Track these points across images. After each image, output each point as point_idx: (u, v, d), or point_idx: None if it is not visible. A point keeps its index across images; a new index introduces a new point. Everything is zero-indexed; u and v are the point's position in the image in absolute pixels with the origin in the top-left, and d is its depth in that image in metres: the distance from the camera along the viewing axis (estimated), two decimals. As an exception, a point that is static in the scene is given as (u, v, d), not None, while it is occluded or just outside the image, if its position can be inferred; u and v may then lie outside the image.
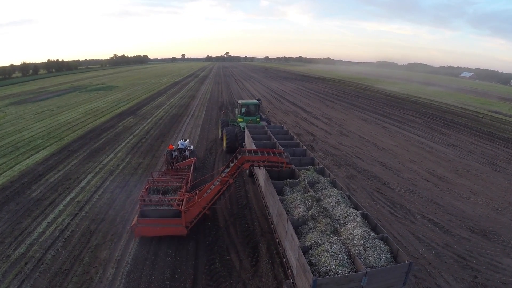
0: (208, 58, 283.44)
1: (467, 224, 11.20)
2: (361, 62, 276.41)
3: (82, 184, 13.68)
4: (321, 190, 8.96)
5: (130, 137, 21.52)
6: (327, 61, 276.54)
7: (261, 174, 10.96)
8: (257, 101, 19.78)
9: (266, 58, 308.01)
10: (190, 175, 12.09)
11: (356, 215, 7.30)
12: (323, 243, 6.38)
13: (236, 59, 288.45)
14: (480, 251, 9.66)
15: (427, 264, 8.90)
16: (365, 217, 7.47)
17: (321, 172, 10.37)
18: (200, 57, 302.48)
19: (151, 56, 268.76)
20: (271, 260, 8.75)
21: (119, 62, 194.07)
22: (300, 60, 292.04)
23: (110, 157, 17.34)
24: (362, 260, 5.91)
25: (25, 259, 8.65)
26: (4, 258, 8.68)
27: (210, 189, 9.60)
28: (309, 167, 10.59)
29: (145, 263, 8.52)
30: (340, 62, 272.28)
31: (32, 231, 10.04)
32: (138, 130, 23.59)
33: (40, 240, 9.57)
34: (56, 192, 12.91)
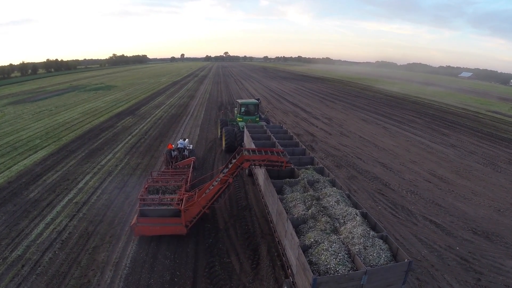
0: (207, 58, 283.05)
1: (469, 226, 11.10)
2: (360, 62, 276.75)
3: (80, 185, 13.53)
4: (321, 189, 9.01)
5: (129, 137, 21.37)
6: (327, 61, 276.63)
7: (260, 174, 11.00)
8: (256, 101, 19.69)
9: (266, 58, 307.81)
10: (190, 175, 12.05)
11: (356, 214, 7.34)
12: (323, 242, 6.40)
13: (236, 59, 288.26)
14: (482, 253, 9.56)
15: (430, 266, 8.79)
16: (364, 216, 7.51)
17: (321, 172, 10.40)
18: (199, 57, 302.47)
19: (150, 56, 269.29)
20: (272, 263, 8.62)
21: (118, 61, 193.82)
22: (300, 60, 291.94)
23: (108, 157, 17.19)
24: (362, 258, 5.93)
25: (22, 262, 8.51)
26: (0, 261, 8.53)
27: (210, 188, 9.60)
28: (308, 166, 10.66)
29: (144, 266, 8.38)
30: (339, 62, 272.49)
31: (29, 233, 9.89)
32: (137, 130, 23.44)
33: (37, 242, 9.42)
34: (54, 193, 12.76)
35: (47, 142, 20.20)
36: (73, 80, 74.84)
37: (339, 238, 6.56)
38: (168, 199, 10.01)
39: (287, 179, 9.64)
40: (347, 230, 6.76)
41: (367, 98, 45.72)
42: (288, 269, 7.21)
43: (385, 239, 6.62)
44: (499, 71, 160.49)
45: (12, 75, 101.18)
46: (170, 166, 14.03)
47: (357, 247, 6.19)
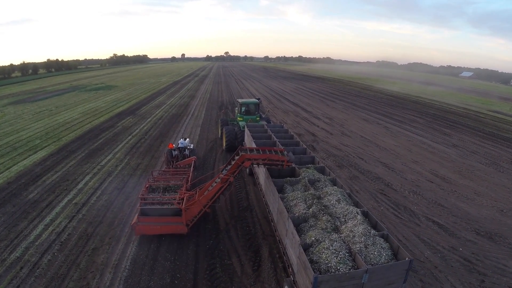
0: (208, 58, 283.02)
1: (473, 227, 10.99)
2: (361, 62, 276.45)
3: (80, 185, 13.44)
4: (322, 188, 9.01)
5: (129, 137, 21.29)
6: (327, 60, 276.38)
7: (261, 173, 11.00)
8: (257, 100, 19.59)
9: (266, 58, 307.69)
10: (190, 174, 12.04)
11: (357, 213, 7.34)
12: (324, 241, 6.39)
13: (236, 58, 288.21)
14: (486, 254, 9.46)
15: (433, 268, 8.69)
16: (365, 214, 7.51)
17: (321, 171, 10.40)
18: (199, 57, 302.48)
19: (150, 56, 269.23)
20: (274, 264, 8.51)
21: (118, 61, 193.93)
22: (300, 59, 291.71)
23: (108, 157, 17.10)
24: (362, 257, 5.93)
25: (20, 263, 8.42)
26: (-1, 262, 8.45)
27: (211, 187, 9.59)
28: (309, 165, 10.66)
29: (144, 268, 8.28)
30: (339, 61, 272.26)
31: (28, 234, 9.81)
32: (137, 130, 23.36)
33: (36, 243, 9.33)
34: (53, 193, 12.67)
35: (47, 143, 20.12)
36: (74, 80, 74.80)
37: (340, 237, 6.57)
38: (169, 198, 9.98)
39: (288, 178, 9.66)
40: (348, 228, 6.76)
41: (367, 98, 45.59)
42: (289, 268, 7.20)
43: (386, 238, 6.61)
44: (499, 71, 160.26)
45: (13, 75, 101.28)
46: (170, 166, 14.04)
47: (358, 246, 6.19)
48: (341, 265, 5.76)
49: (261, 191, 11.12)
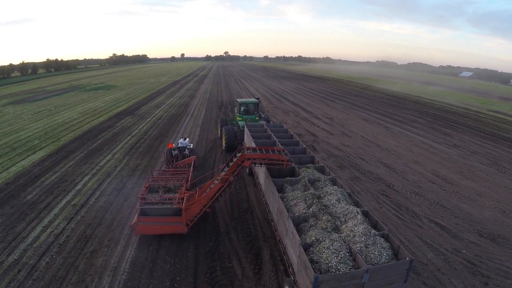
0: (208, 58, 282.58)
1: (475, 228, 10.89)
2: (360, 62, 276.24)
3: (79, 186, 13.32)
4: (322, 187, 8.99)
5: (128, 138, 21.16)
6: (327, 60, 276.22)
7: (261, 172, 10.99)
8: (256, 100, 19.47)
9: (266, 58, 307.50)
10: (190, 174, 12.00)
11: (357, 213, 7.31)
12: (324, 240, 6.36)
13: (236, 58, 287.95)
14: (489, 256, 9.36)
15: (437, 270, 8.59)
16: (365, 214, 7.47)
17: (321, 170, 10.37)
18: (199, 57, 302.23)
19: (150, 56, 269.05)
20: (275, 267, 8.40)
21: (118, 61, 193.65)
22: (300, 59, 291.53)
23: (107, 158, 16.98)
24: (363, 257, 5.91)
25: (18, 266, 8.31)
26: (-4, 265, 8.32)
27: (211, 187, 9.56)
28: (309, 165, 10.63)
29: (143, 271, 8.16)
30: (339, 61, 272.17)
31: (26, 236, 9.69)
32: (136, 130, 23.23)
33: (34, 245, 9.21)
34: (52, 195, 12.55)
35: (46, 143, 19.99)
36: (73, 80, 74.62)
37: (340, 237, 6.54)
38: (169, 198, 9.93)
39: (288, 178, 9.66)
40: (348, 228, 6.74)
41: (368, 98, 45.50)
42: (289, 268, 7.16)
43: (386, 238, 6.59)
44: (499, 71, 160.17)
45: (12, 75, 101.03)
46: (170, 165, 14.00)
47: (358, 246, 6.16)
48: (342, 265, 5.75)
49: (261, 191, 11.10)
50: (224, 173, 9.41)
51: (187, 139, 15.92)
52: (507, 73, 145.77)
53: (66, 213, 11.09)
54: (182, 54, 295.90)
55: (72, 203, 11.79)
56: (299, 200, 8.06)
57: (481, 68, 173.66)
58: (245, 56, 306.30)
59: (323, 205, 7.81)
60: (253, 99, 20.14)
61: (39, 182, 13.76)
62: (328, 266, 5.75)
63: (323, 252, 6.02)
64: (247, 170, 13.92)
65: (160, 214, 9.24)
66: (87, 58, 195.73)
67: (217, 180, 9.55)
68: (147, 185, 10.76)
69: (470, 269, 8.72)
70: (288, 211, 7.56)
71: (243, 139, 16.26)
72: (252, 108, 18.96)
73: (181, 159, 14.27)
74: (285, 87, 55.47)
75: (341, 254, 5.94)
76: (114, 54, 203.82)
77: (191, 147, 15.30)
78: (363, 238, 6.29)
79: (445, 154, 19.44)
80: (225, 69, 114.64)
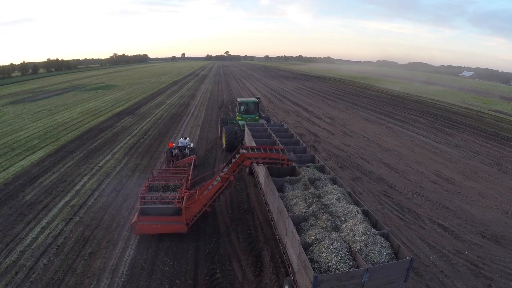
0: (208, 57, 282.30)
1: (478, 229, 10.76)
2: (361, 61, 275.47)
3: (78, 187, 13.22)
4: (322, 187, 8.96)
5: (128, 137, 21.06)
6: (328, 60, 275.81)
7: (261, 172, 10.95)
8: (256, 99, 19.36)
9: (266, 57, 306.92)
10: (190, 173, 11.97)
11: (357, 212, 7.27)
12: (324, 240, 6.33)
13: (236, 58, 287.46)
14: (492, 258, 9.24)
15: (439, 272, 8.47)
16: (365, 213, 7.43)
17: (321, 169, 10.33)
18: (200, 56, 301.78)
19: (151, 55, 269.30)
20: (276, 269, 8.29)
21: (118, 61, 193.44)
22: (300, 59, 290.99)
23: (107, 158, 16.88)
24: (363, 256, 5.90)
25: (15, 268, 8.21)
26: (-7, 267, 8.23)
27: (211, 186, 9.50)
28: (309, 164, 10.60)
29: (142, 273, 8.06)
30: (340, 61, 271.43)
31: (24, 237, 9.59)
32: (136, 130, 23.13)
33: (32, 247, 9.11)
34: (51, 195, 12.45)
35: (45, 143, 19.90)
36: (74, 80, 74.53)
37: (340, 236, 6.51)
38: (169, 197, 9.89)
39: (288, 177, 9.62)
40: (348, 227, 6.70)
41: (369, 98, 45.34)
42: (289, 267, 7.10)
43: (386, 237, 6.54)
44: (500, 70, 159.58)
45: (13, 74, 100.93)
46: (171, 165, 13.95)
47: (358, 245, 6.14)
48: (342, 264, 5.72)
49: (261, 190, 11.06)
50: (224, 173, 9.35)
51: (188, 138, 15.88)
52: (508, 72, 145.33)
53: (65, 214, 10.99)
54: (183, 54, 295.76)
55: (70, 204, 11.70)
56: (299, 200, 8.02)
57: (482, 67, 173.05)
58: (246, 55, 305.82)
59: (323, 204, 7.78)
60: (253, 99, 20.02)
61: (38, 183, 13.67)
62: (328, 266, 5.74)
63: (323, 251, 6.00)
64: (247, 169, 13.85)
65: (160, 213, 9.23)
66: (87, 58, 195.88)
67: (217, 179, 9.50)
68: (147, 184, 10.73)
69: (473, 271, 8.61)
70: (288, 211, 7.54)
71: (243, 139, 16.20)
72: (252, 107, 18.86)
73: (181, 159, 14.22)
74: (286, 87, 55.32)
75: (341, 254, 5.91)
76: (115, 54, 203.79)
77: (192, 146, 15.28)
78: (363, 237, 6.27)
79: (447, 154, 19.30)
80: (225, 69, 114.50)
